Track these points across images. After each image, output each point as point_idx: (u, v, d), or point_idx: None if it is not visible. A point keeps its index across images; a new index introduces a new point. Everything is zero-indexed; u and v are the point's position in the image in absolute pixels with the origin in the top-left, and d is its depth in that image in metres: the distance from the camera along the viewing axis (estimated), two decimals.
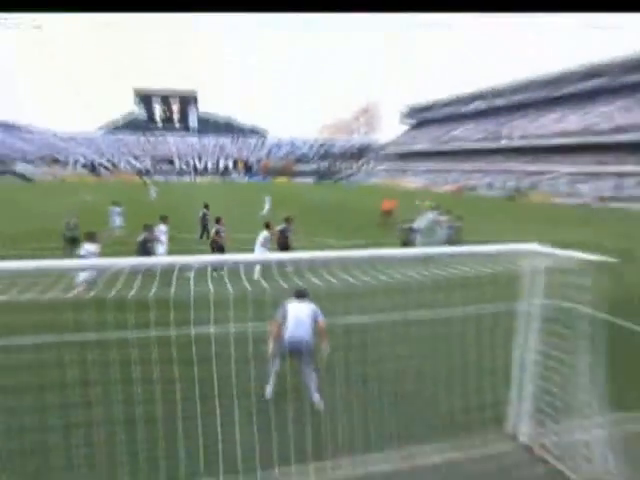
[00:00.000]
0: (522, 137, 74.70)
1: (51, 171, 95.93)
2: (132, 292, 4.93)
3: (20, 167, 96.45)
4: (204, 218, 20.61)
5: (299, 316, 7.32)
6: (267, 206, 33.68)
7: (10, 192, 56.82)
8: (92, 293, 6.35)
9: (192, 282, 5.12)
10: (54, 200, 45.27)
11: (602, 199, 52.14)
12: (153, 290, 4.99)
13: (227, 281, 5.15)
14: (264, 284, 5.37)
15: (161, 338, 6.58)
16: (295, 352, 7.26)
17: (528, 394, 6.40)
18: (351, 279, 5.83)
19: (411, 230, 19.50)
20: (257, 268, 13.29)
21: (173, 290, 5.33)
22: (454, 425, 6.31)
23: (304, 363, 7.31)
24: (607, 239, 24.05)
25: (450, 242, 18.52)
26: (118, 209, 22.72)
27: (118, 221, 22.40)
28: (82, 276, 11.00)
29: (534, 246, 6.06)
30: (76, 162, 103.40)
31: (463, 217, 20.62)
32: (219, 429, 5.38)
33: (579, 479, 5.73)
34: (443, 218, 19.78)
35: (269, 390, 7.43)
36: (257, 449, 5.57)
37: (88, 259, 11.48)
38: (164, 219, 15.95)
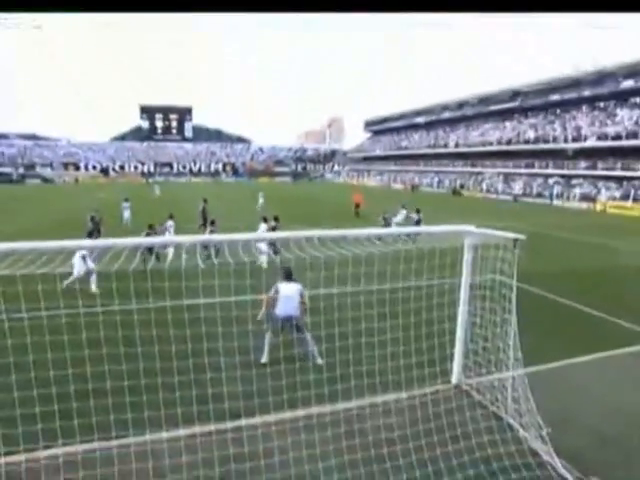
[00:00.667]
0: (460, 145, 75.65)
1: (68, 174, 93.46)
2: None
3: (43, 171, 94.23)
4: (204, 210, 20.47)
5: (288, 294, 7.49)
6: (261, 200, 33.26)
7: (36, 192, 55.25)
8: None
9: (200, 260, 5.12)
10: (72, 198, 44.16)
11: (516, 196, 53.88)
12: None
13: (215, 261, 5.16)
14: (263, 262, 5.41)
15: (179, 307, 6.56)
16: (286, 323, 7.43)
17: (465, 349, 6.65)
18: (330, 252, 5.92)
19: (389, 221, 21.56)
20: (263, 258, 13.49)
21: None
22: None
23: (298, 332, 7.43)
24: (523, 225, 24.92)
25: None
26: (127, 204, 23.43)
27: (127, 213, 23.16)
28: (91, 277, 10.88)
29: (469, 227, 6.27)
30: (90, 166, 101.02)
31: (421, 210, 21.21)
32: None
33: (493, 407, 6.15)
34: (413, 214, 21.12)
35: (265, 357, 7.36)
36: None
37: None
38: (171, 216, 16.49)
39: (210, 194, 24.49)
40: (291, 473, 4.84)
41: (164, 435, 5.30)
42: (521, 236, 5.63)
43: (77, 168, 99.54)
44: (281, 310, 7.45)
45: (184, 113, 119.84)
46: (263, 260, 13.66)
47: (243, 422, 5.60)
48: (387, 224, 21.06)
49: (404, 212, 22.68)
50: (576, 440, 5.62)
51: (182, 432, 5.38)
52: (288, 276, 7.78)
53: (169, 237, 13.88)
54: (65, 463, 4.81)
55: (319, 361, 7.26)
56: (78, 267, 11.03)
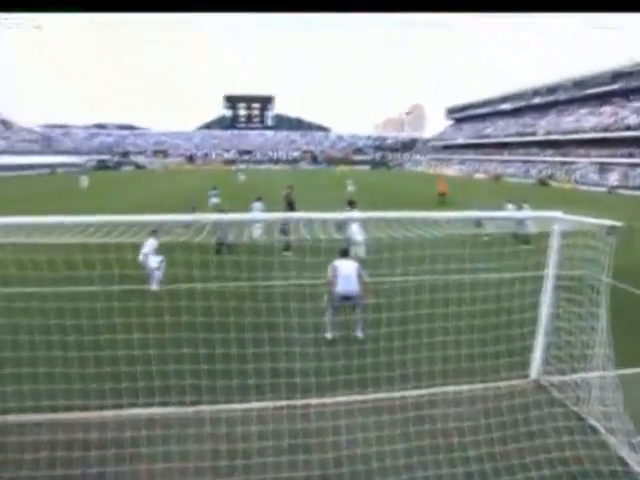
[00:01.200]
0: (551, 132, 70.64)
1: (158, 161, 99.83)
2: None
3: (136, 158, 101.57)
4: (288, 196, 20.68)
5: (346, 272, 7.55)
6: (350, 188, 33.53)
7: (130, 177, 59.60)
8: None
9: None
10: (162, 183, 47.08)
11: (611, 187, 49.26)
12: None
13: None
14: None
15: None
16: (345, 301, 7.59)
17: (547, 342, 6.26)
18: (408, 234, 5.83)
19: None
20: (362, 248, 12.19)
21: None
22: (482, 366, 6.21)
23: (356, 308, 7.63)
24: (616, 218, 22.62)
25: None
26: (215, 192, 23.93)
27: (214, 200, 23.23)
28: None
29: (558, 213, 5.93)
30: (177, 154, 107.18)
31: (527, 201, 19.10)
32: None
33: (574, 406, 5.76)
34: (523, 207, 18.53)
35: (329, 333, 7.60)
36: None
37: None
38: (259, 198, 17.42)
39: (292, 181, 25.10)
40: (357, 453, 4.87)
41: (237, 406, 5.56)
42: (617, 223, 5.18)
43: (166, 155, 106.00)
44: (340, 288, 7.51)
45: (266, 102, 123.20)
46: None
47: (313, 401, 5.70)
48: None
49: (510, 207, 19.09)
50: None
51: (255, 404, 5.61)
52: (344, 254, 7.92)
53: (260, 214, 13.16)
54: (146, 421, 5.23)
55: (360, 334, 7.45)
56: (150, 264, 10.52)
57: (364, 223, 10.63)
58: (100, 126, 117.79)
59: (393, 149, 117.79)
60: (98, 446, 4.79)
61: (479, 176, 74.87)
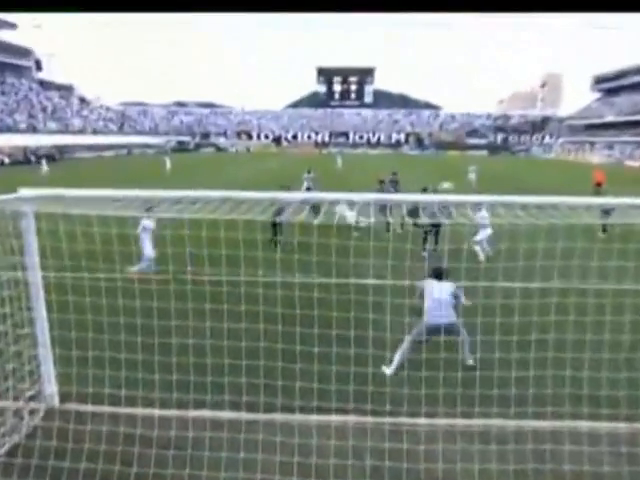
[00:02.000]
0: None
1: (241, 143, 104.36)
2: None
3: (217, 140, 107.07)
4: (392, 182, 20.80)
5: (439, 298, 6.59)
6: (472, 175, 32.92)
7: (209, 161, 62.94)
8: None
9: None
10: (244, 167, 49.12)
11: None
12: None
13: None
14: None
15: None
16: (435, 334, 6.43)
17: None
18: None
19: None
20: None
21: None
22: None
23: (453, 334, 6.56)
24: None
25: None
26: (310, 175, 24.47)
27: (307, 185, 23.63)
28: None
29: None
30: (262, 135, 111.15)
31: None
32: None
33: None
34: None
35: (391, 369, 6.69)
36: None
37: None
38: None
39: (394, 168, 24.94)
40: None
41: (313, 417, 5.57)
42: None
43: (250, 137, 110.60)
44: (429, 318, 6.57)
45: (365, 75, 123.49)
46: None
47: (405, 419, 5.57)
48: None
49: None
50: None
51: (334, 417, 5.59)
52: (438, 274, 6.95)
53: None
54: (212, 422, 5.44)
55: (470, 362, 6.71)
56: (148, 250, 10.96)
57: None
58: (180, 104, 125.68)
59: (519, 130, 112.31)
60: (159, 445, 5.04)
61: (632, 164, 69.00)
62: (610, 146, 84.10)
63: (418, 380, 5.88)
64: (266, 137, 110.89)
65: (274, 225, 13.75)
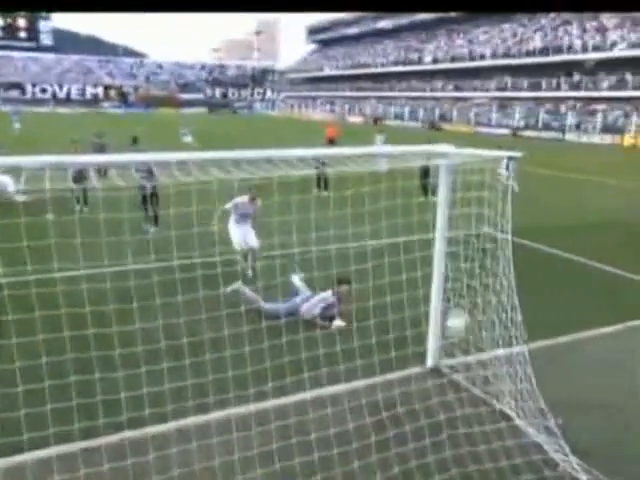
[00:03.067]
0: (440, 60, 76.06)
1: None
2: None
3: None
4: (96, 145, 20.91)
5: None
6: (189, 138, 34.36)
7: None
8: None
9: None
10: None
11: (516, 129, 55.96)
12: None
13: None
14: None
15: None
16: None
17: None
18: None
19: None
20: None
21: None
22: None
23: None
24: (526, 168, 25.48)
25: None
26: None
27: None
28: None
29: (446, 146, 6.41)
30: None
31: None
32: None
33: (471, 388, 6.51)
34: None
35: None
36: None
37: None
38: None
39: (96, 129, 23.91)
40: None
41: None
42: (517, 153, 5.71)
43: None
44: None
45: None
46: None
47: None
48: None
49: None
50: (593, 431, 5.75)
51: None
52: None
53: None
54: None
55: None
56: None
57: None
58: None
59: (238, 84, 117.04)
60: None
61: (354, 119, 78.31)
62: (331, 101, 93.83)
63: None
64: None
65: None
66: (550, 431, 5.33)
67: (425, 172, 16.07)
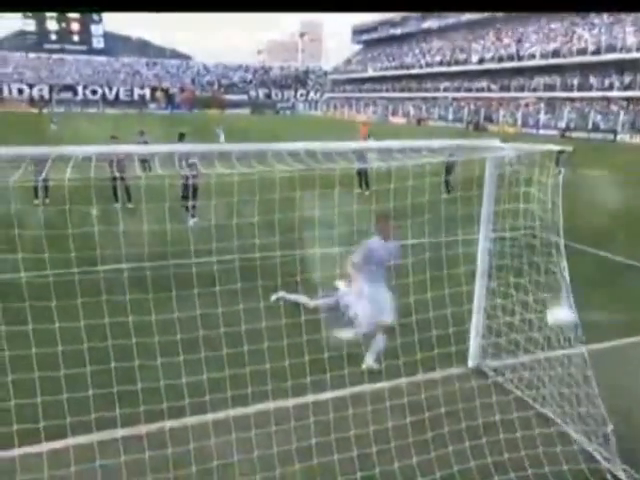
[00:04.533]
0: (483, 60, 75.04)
1: None
2: None
3: None
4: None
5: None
6: (222, 138, 33.57)
7: None
8: None
9: None
10: None
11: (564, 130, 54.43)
12: None
13: None
14: None
15: None
16: None
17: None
18: None
19: None
20: None
21: None
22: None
23: None
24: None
25: None
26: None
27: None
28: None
29: (493, 141, 6.36)
30: None
31: None
32: None
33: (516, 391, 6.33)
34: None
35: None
36: None
37: None
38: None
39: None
40: None
41: None
42: (567, 147, 5.58)
43: None
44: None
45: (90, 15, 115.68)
46: None
47: None
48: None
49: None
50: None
51: None
52: None
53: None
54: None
55: None
56: None
57: None
58: None
59: (282, 85, 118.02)
60: None
61: (397, 120, 77.90)
62: (374, 102, 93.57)
63: None
64: None
65: None
66: (602, 439, 5.11)
67: (448, 169, 16.21)
